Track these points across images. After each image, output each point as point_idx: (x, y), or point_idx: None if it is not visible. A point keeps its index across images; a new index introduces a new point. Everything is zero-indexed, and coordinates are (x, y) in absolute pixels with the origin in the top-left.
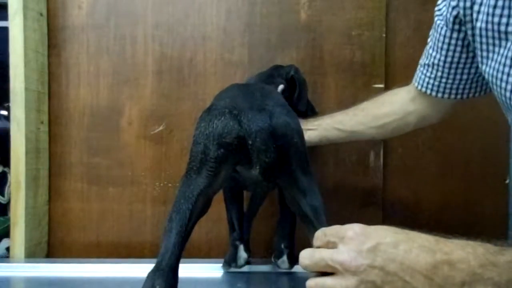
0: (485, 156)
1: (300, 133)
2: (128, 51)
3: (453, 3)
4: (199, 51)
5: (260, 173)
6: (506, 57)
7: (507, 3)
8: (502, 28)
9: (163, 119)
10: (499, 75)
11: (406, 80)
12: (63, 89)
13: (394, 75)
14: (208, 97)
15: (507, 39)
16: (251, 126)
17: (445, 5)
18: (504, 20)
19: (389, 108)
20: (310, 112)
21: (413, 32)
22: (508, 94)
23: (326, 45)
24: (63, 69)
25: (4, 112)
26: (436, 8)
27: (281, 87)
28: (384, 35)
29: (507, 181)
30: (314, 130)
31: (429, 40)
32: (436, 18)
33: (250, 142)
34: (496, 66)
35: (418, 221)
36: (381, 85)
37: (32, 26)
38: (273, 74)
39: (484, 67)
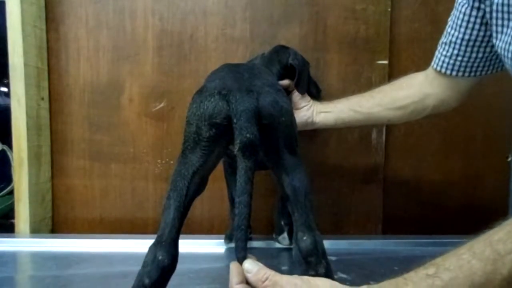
0: (487, 134)
1: (288, 112)
2: (128, 26)
3: None
4: (200, 26)
5: (240, 149)
6: None
7: None
8: None
9: (164, 96)
10: (510, 47)
11: (410, 56)
12: (63, 64)
13: (399, 51)
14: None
15: None
16: (238, 106)
17: None
18: None
19: (407, 90)
20: (314, 89)
21: (419, 7)
22: None
23: (330, 20)
24: (62, 44)
25: (4, 89)
26: None
27: (286, 82)
28: (389, 9)
29: (509, 159)
30: (330, 112)
31: (449, 19)
32: None
33: (235, 120)
34: (508, 39)
35: (419, 198)
36: (385, 61)
37: None
38: (273, 59)
39: (497, 42)
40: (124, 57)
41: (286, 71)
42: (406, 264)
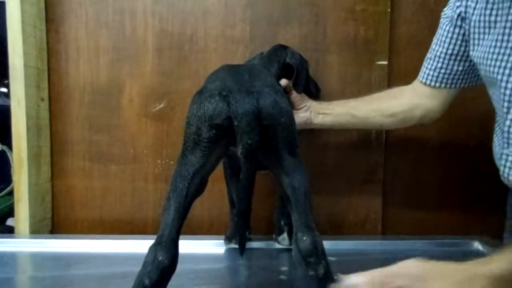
0: (487, 134)
1: (288, 113)
2: (128, 27)
3: (458, 4)
4: (199, 27)
5: (242, 154)
6: (492, 40)
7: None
8: (492, 18)
9: (164, 97)
10: (486, 55)
11: (410, 57)
12: (63, 65)
13: (398, 52)
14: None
15: (494, 27)
16: (238, 108)
17: (451, 8)
18: (494, 12)
19: (400, 100)
20: (314, 89)
21: (419, 7)
22: (492, 69)
23: (330, 20)
24: (62, 45)
25: (4, 90)
26: (443, 14)
27: (283, 82)
28: (389, 10)
29: None
30: (328, 114)
31: (434, 38)
32: (442, 19)
33: (235, 123)
34: (484, 49)
35: (419, 199)
36: (385, 62)
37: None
38: (271, 59)
39: (474, 53)
40: (124, 58)
41: (285, 71)
42: None
